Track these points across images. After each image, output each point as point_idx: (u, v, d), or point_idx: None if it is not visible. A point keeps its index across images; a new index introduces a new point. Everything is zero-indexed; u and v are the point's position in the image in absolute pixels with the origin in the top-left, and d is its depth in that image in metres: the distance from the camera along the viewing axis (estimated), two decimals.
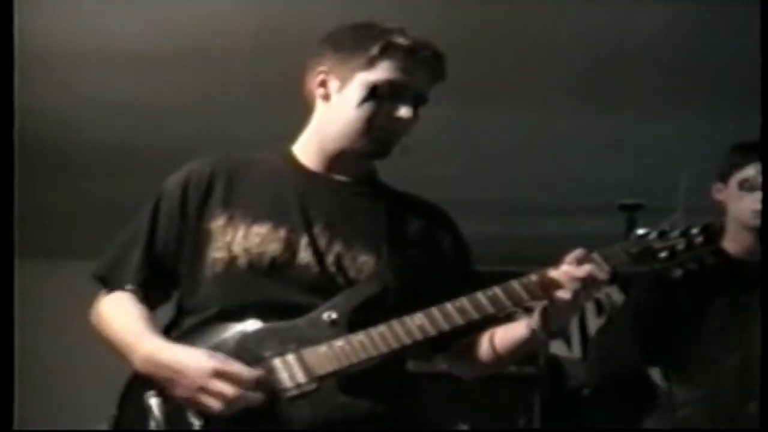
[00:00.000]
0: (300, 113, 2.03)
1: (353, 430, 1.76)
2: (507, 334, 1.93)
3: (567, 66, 3.71)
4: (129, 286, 1.94)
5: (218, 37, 3.50)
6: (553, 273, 1.79)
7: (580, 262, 1.79)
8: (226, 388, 1.72)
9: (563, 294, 1.78)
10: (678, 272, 1.82)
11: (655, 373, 2.94)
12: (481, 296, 1.81)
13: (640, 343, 2.76)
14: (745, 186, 2.68)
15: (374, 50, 1.89)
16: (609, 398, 2.90)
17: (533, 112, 4.13)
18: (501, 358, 1.93)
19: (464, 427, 5.23)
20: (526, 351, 1.93)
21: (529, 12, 3.36)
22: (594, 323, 6.34)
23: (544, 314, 1.84)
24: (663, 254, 1.81)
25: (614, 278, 1.81)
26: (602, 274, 1.78)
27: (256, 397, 1.74)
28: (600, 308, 6.35)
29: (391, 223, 1.94)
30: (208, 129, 4.18)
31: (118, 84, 3.91)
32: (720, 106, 3.91)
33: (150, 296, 1.95)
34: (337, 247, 1.88)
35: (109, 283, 1.97)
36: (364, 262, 1.88)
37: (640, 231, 1.83)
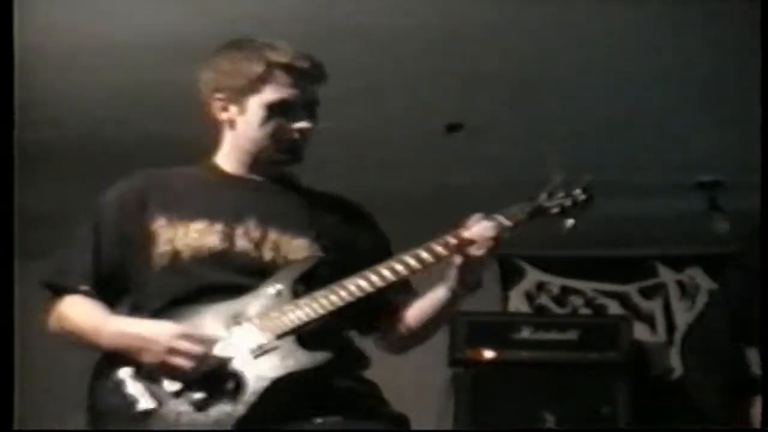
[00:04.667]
0: None
1: (316, 375, 1.97)
2: (428, 302, 2.14)
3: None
4: (83, 287, 2.11)
5: (219, 28, 3.48)
6: (468, 232, 2.02)
7: (486, 222, 2.03)
8: (194, 347, 1.93)
9: (477, 250, 2.01)
10: (570, 223, 2.11)
11: (755, 362, 2.87)
12: (406, 256, 2.05)
13: (736, 332, 2.70)
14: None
15: (256, 72, 2.09)
16: (705, 388, 2.85)
17: (611, 84, 4.05)
18: (427, 325, 2.16)
19: (549, 417, 5.16)
20: (449, 312, 2.15)
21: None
22: (678, 306, 6.23)
23: (461, 271, 2.05)
24: (554, 210, 2.11)
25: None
26: (506, 232, 2.04)
27: (223, 355, 1.95)
28: (684, 291, 6.23)
29: (314, 213, 2.17)
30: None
31: (119, 81, 3.90)
32: None
33: (102, 298, 2.11)
34: (273, 235, 2.11)
35: (61, 288, 2.13)
36: (300, 244, 2.11)
37: (533, 195, 2.13)
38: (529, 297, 6.28)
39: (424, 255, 2.04)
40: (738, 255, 2.96)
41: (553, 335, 5.40)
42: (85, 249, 2.14)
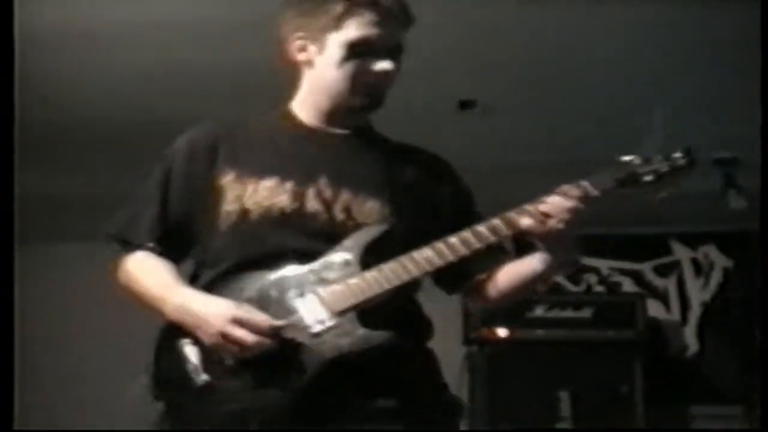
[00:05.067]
0: None
1: (373, 357, 1.88)
2: (520, 269, 2.05)
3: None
4: (149, 244, 2.04)
5: (229, 8, 3.44)
6: (544, 205, 1.90)
7: (569, 192, 1.89)
8: (244, 335, 1.86)
9: (556, 223, 1.89)
10: (662, 194, 1.92)
11: None
12: (481, 227, 1.93)
13: (750, 309, 2.69)
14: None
15: (339, 9, 1.97)
16: (717, 366, 2.85)
17: (620, 67, 4.02)
18: (513, 293, 2.08)
19: (564, 396, 5.16)
20: (539, 284, 2.07)
21: None
22: (692, 284, 6.21)
23: (544, 245, 1.96)
24: (648, 178, 1.91)
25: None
26: (589, 201, 1.89)
27: (273, 343, 1.87)
28: (698, 269, 6.22)
29: (391, 171, 2.05)
30: (210, 107, 4.04)
31: (118, 64, 3.86)
32: None
33: (168, 253, 2.05)
34: (345, 195, 1.99)
35: (127, 242, 2.07)
36: (371, 206, 1.99)
37: (625, 157, 1.92)
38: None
39: (500, 226, 1.93)
40: (757, 234, 2.94)
41: (568, 313, 5.40)
42: (153, 200, 2.06)
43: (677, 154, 1.90)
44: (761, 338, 2.35)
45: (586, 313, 5.40)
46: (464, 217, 2.01)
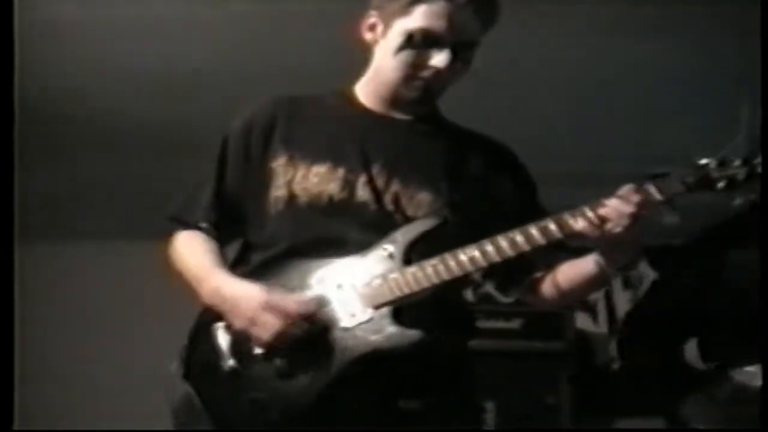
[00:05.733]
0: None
1: (403, 356, 1.85)
2: (576, 270, 1.97)
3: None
4: (202, 225, 2.04)
5: (235, 5, 3.43)
6: (603, 209, 1.80)
7: (629, 196, 1.79)
8: (273, 321, 1.83)
9: (613, 228, 1.77)
10: (738, 202, 1.78)
11: (692, 354, 2.87)
12: (532, 228, 1.85)
13: (674, 323, 2.70)
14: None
15: None
16: (641, 378, 2.85)
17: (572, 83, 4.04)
18: (571, 293, 2.01)
19: (489, 406, 5.15)
20: (596, 286, 1.98)
21: None
22: (621, 297, 6.26)
23: (601, 249, 1.87)
24: (721, 184, 1.79)
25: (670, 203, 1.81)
26: (652, 206, 1.79)
27: (303, 329, 1.82)
28: (627, 282, 6.26)
29: (450, 160, 1.97)
30: (212, 106, 4.02)
31: (120, 57, 3.81)
32: None
33: (221, 234, 2.04)
34: (395, 186, 1.93)
35: (183, 222, 2.07)
36: (422, 199, 1.93)
37: (702, 160, 1.79)
38: (474, 285, 6.26)
39: (552, 228, 1.85)
40: (687, 248, 2.96)
41: (498, 324, 5.38)
42: (209, 180, 2.04)
43: (757, 160, 1.77)
44: (761, 339, 2.34)
45: (515, 323, 5.39)
46: (527, 211, 1.95)
